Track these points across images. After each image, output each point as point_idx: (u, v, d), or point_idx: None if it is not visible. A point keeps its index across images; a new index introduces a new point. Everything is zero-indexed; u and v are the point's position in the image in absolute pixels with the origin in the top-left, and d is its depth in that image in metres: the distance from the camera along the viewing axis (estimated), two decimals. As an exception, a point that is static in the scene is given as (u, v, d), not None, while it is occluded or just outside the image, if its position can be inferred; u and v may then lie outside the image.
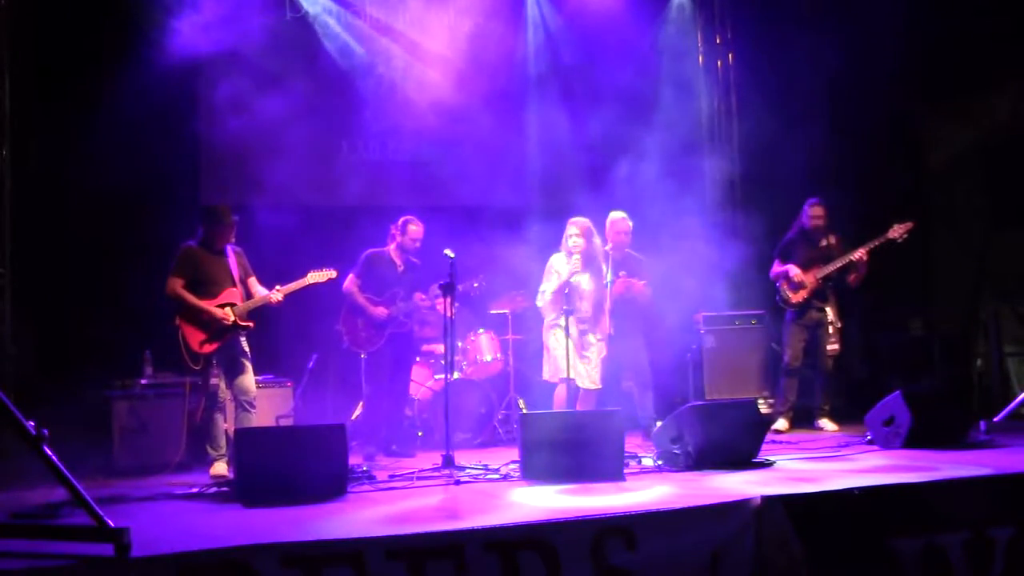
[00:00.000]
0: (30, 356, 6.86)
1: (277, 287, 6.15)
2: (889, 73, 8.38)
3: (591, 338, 6.73)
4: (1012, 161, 7.98)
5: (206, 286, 6.03)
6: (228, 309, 6.02)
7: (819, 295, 7.39)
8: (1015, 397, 6.86)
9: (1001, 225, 8.12)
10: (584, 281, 6.71)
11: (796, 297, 7.43)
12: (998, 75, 7.97)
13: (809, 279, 7.37)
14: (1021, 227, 7.87)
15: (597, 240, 6.81)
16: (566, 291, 6.50)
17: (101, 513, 3.52)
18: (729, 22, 9.54)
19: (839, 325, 7.39)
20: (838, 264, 7.28)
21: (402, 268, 6.94)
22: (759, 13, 8.96)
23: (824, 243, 7.43)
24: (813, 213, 7.44)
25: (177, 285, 5.98)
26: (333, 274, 6.44)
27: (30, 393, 6.22)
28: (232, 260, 6.18)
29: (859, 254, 7.18)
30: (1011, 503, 4.37)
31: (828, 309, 7.39)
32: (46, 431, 3.62)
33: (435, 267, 6.47)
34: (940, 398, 6.14)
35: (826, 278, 7.35)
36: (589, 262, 6.73)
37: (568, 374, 6.46)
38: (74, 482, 3.58)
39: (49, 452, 3.60)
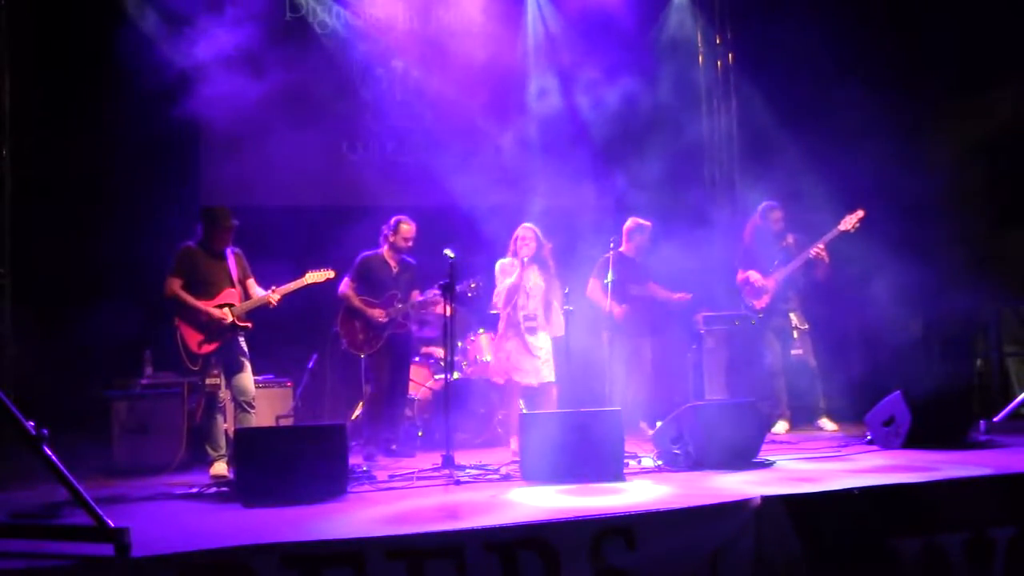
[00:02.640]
0: (30, 356, 6.86)
1: (274, 288, 6.14)
2: (890, 72, 8.37)
3: (540, 334, 6.76)
4: (1013, 160, 7.97)
5: (204, 286, 6.03)
6: (226, 309, 6.02)
7: (782, 298, 7.41)
8: (1015, 397, 6.84)
9: (1002, 225, 8.11)
10: (532, 280, 6.82)
11: (759, 303, 7.47)
12: (1000, 74, 7.96)
13: (770, 283, 7.39)
14: (1021, 227, 7.86)
15: (544, 243, 6.95)
16: (519, 297, 6.72)
17: (101, 513, 3.52)
18: (729, 22, 9.54)
19: (804, 327, 7.40)
20: (796, 264, 7.30)
21: (397, 269, 6.94)
22: (759, 13, 8.96)
23: (783, 245, 7.44)
24: (774, 217, 7.45)
25: (175, 285, 5.97)
26: (331, 274, 6.44)
27: (30, 393, 6.21)
28: (231, 261, 6.17)
29: (815, 250, 7.18)
30: (1011, 503, 4.37)
31: (791, 314, 7.40)
32: (46, 431, 3.62)
33: (435, 267, 6.47)
34: (940, 398, 6.13)
35: (787, 279, 7.36)
36: (537, 263, 6.84)
37: (508, 375, 6.66)
38: (74, 482, 3.58)
39: (49, 452, 3.60)
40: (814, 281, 7.38)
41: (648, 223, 7.63)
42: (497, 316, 7.89)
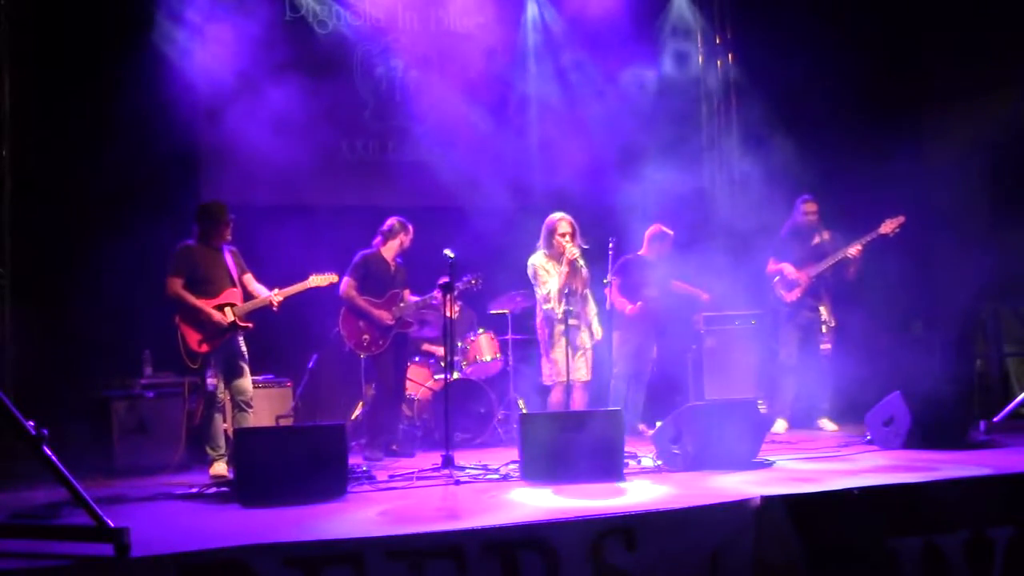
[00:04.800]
0: (30, 356, 6.85)
1: (276, 290, 6.14)
2: (890, 72, 8.38)
3: (584, 334, 6.75)
4: (1013, 160, 7.98)
5: (205, 285, 6.03)
6: (228, 309, 6.02)
7: (813, 293, 7.42)
8: (1015, 397, 6.85)
9: (1001, 225, 8.12)
10: (572, 277, 6.69)
11: (790, 296, 7.47)
12: (1000, 74, 7.97)
13: (803, 277, 7.40)
14: (1021, 227, 7.87)
15: (579, 238, 6.81)
16: (565, 291, 6.57)
17: (101, 513, 3.52)
18: (729, 22, 9.54)
19: (832, 324, 7.43)
20: (831, 261, 7.31)
21: (394, 268, 6.93)
22: (759, 13, 8.96)
23: (817, 240, 7.46)
24: (806, 209, 7.49)
25: (177, 285, 5.97)
26: (334, 278, 6.46)
27: (30, 393, 6.22)
28: (229, 259, 6.17)
29: (853, 250, 7.20)
30: (1011, 503, 4.37)
31: (821, 308, 7.42)
32: (46, 431, 3.62)
33: (435, 267, 6.47)
34: (940, 398, 6.14)
35: (820, 275, 7.37)
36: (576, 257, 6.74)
37: (563, 377, 6.48)
38: (74, 482, 3.58)
39: (49, 452, 3.60)
40: (844, 279, 7.39)
41: (671, 232, 7.71)
42: (498, 316, 7.92)
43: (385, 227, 6.93)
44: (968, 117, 8.22)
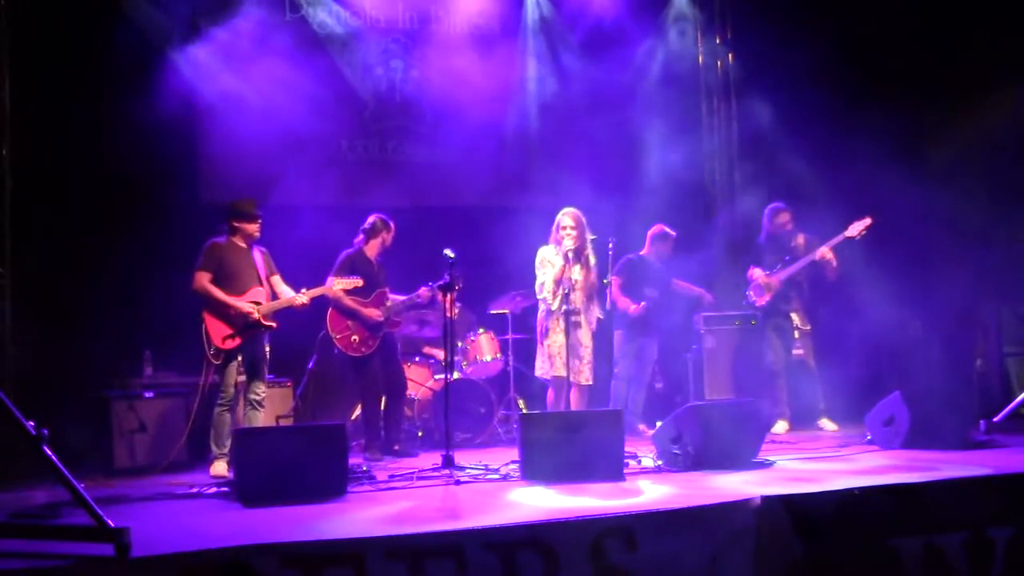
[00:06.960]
0: (30, 356, 6.85)
1: (303, 290, 6.18)
2: (889, 72, 8.37)
3: (583, 332, 6.69)
4: (1012, 159, 7.97)
5: (232, 281, 6.05)
6: (252, 307, 6.03)
7: (783, 298, 7.43)
8: (1015, 397, 6.84)
9: (1001, 224, 8.12)
10: (575, 272, 6.61)
11: (760, 300, 7.52)
12: (999, 73, 7.96)
13: (773, 282, 7.42)
14: (1021, 226, 7.87)
15: (587, 232, 6.74)
16: (564, 289, 6.54)
17: (101, 513, 3.52)
18: (729, 22, 9.55)
19: (805, 328, 7.45)
20: (799, 265, 7.32)
21: (376, 267, 6.89)
22: (759, 13, 8.96)
23: (792, 244, 7.47)
24: (781, 220, 7.51)
25: (204, 279, 6.00)
26: (359, 282, 6.48)
27: (30, 393, 6.22)
28: (258, 258, 6.21)
29: (820, 253, 7.21)
30: (1011, 503, 4.37)
31: (793, 314, 7.43)
32: (46, 431, 3.62)
33: (434, 267, 6.46)
34: (940, 398, 6.13)
35: (790, 280, 7.38)
36: (579, 253, 6.67)
37: (562, 372, 6.50)
38: (74, 482, 3.58)
39: (49, 452, 3.60)
40: (825, 282, 7.40)
41: (673, 232, 7.73)
42: (498, 316, 7.92)
43: (367, 225, 6.85)
44: (969, 116, 8.21)
